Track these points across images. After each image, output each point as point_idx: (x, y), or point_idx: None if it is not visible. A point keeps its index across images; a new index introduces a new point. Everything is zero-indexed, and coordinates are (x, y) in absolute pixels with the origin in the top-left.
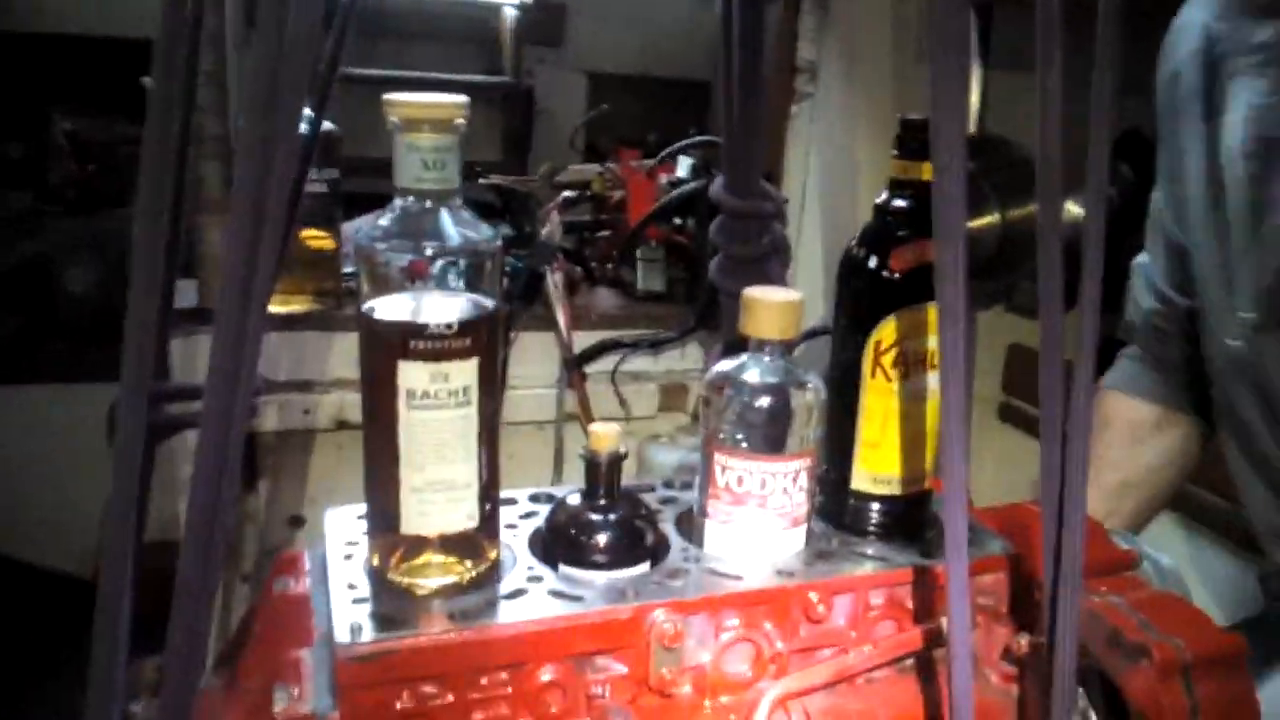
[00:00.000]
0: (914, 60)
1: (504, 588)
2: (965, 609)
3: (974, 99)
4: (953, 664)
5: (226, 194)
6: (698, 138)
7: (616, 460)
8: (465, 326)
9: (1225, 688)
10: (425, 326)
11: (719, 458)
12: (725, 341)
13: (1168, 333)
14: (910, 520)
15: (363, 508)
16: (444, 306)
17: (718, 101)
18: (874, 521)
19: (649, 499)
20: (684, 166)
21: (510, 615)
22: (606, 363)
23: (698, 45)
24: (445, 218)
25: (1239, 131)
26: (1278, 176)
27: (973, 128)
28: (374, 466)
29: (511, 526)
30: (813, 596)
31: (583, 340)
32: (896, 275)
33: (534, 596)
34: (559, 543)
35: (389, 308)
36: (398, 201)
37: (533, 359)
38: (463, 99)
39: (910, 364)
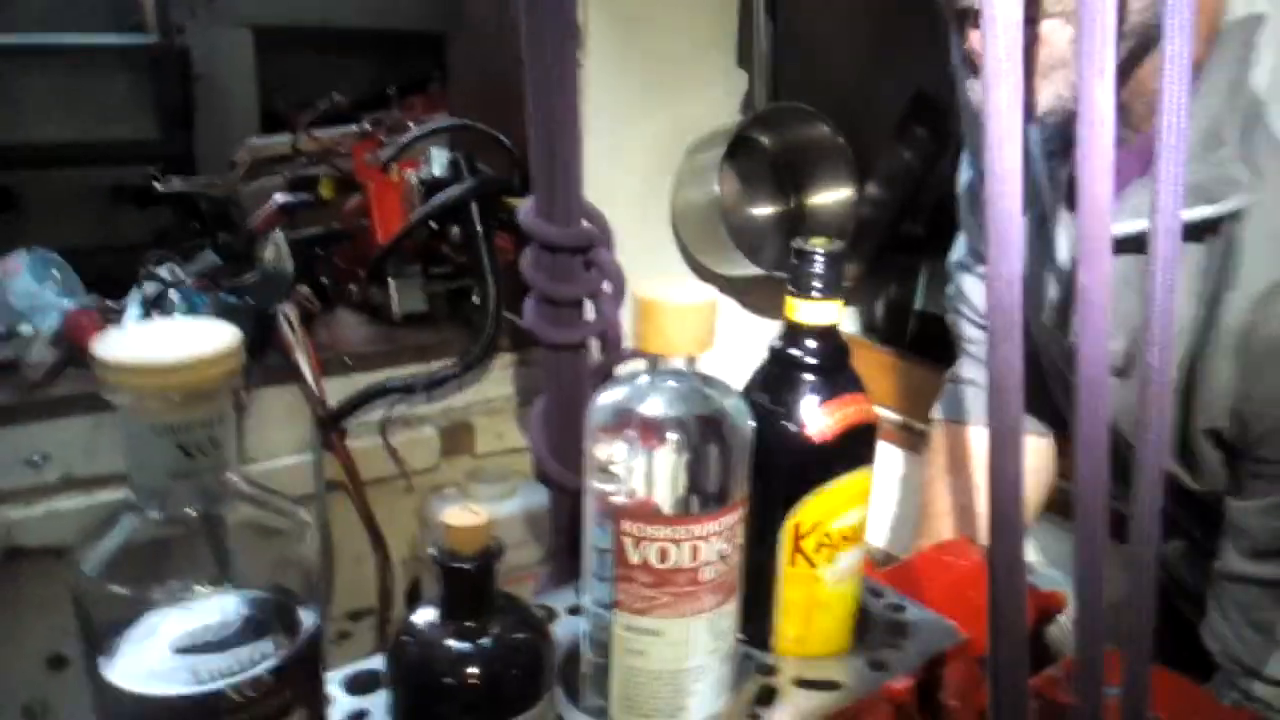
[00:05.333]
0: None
1: None
2: None
3: (765, 62)
4: None
5: None
6: (442, 122)
7: (490, 561)
8: (282, 672)
9: None
10: (220, 696)
11: (629, 529)
12: (545, 408)
13: None
14: None
15: None
16: (240, 652)
17: (454, 55)
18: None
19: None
20: (438, 160)
21: None
22: (370, 410)
23: None
24: (226, 525)
25: (1037, 130)
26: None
27: (764, 93)
28: None
29: None
30: None
31: (336, 389)
32: (819, 446)
33: None
34: (423, 698)
35: (143, 670)
36: (135, 504)
37: (275, 421)
38: (233, 335)
39: (836, 545)
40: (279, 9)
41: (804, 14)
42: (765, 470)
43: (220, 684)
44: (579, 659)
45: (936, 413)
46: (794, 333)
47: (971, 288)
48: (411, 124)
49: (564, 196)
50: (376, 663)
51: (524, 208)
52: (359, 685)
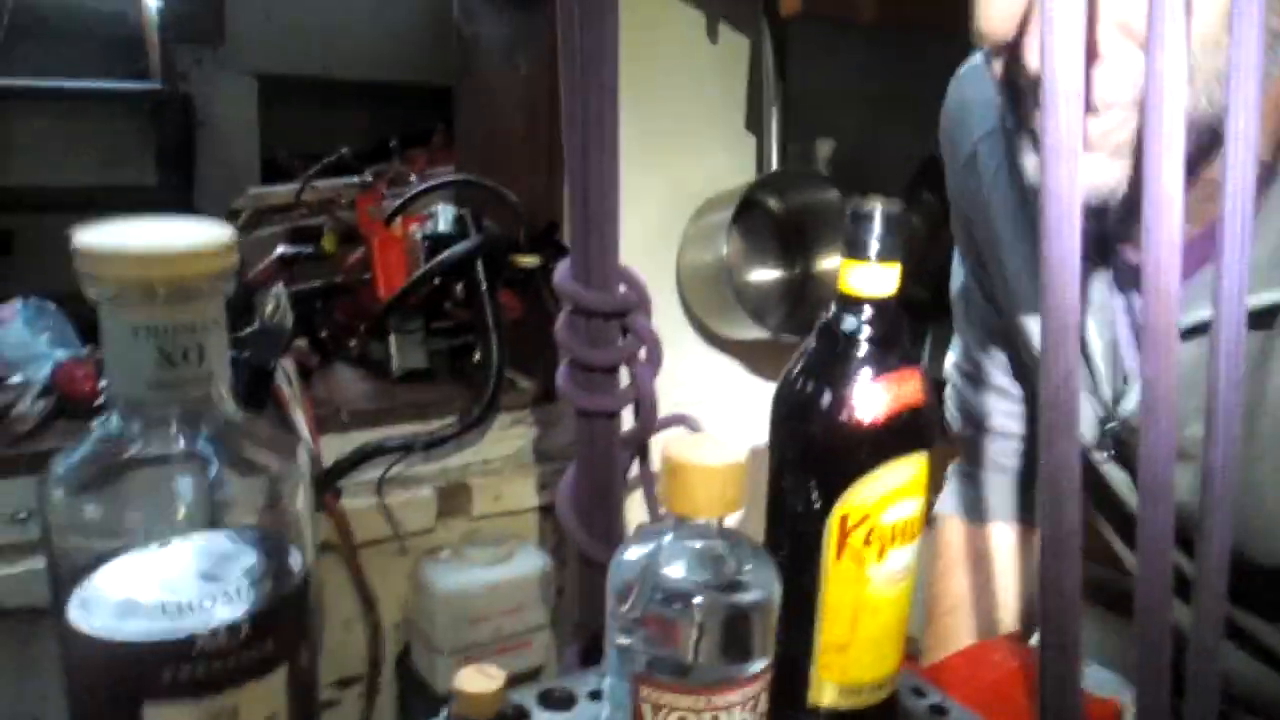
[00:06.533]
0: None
1: None
2: None
3: (774, 125)
4: None
5: None
6: (447, 177)
7: None
8: (263, 620)
9: None
10: (191, 642)
11: (648, 695)
12: (575, 478)
13: (1017, 433)
14: None
15: None
16: (216, 593)
17: (459, 105)
18: None
19: None
20: (443, 216)
21: None
22: (365, 468)
23: (388, 42)
24: (210, 449)
25: None
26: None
27: (775, 158)
28: None
29: None
30: None
31: (331, 446)
32: (871, 426)
33: None
34: None
35: (107, 609)
36: (114, 419)
37: None
38: (226, 232)
39: (887, 540)
40: (284, 58)
41: (813, 78)
42: (810, 454)
43: (191, 628)
44: None
45: (943, 506)
46: (846, 302)
47: (966, 391)
48: (414, 177)
49: (600, 260)
50: None
51: (560, 270)
52: None
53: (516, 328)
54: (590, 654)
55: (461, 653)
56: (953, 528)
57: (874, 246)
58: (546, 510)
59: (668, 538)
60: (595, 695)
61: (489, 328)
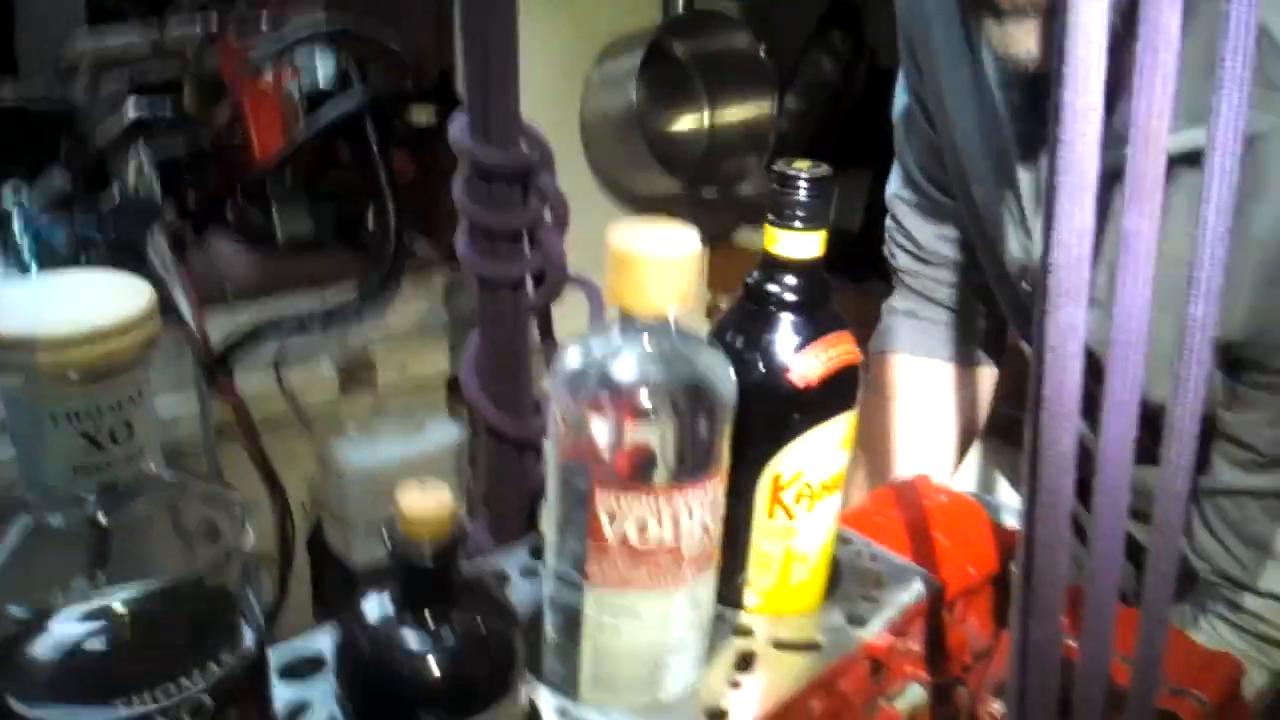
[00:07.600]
0: None
1: None
2: None
3: None
4: None
5: None
6: (321, 23)
7: (453, 552)
8: (223, 692)
9: None
10: None
11: (604, 501)
12: (479, 349)
13: (950, 259)
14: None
15: None
16: (169, 669)
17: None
18: None
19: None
20: (322, 68)
21: None
22: (259, 347)
23: None
24: (147, 523)
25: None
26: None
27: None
28: None
29: None
30: None
31: (219, 325)
32: (803, 392)
33: None
34: (379, 700)
35: (52, 693)
36: (21, 521)
37: (151, 366)
38: (144, 290)
39: (817, 494)
40: None
41: None
42: (742, 418)
43: (146, 707)
44: (538, 627)
45: (874, 345)
46: (772, 267)
47: (908, 218)
48: (263, 22)
49: (501, 114)
50: (317, 643)
51: (456, 127)
52: (298, 671)
53: (412, 189)
54: (499, 528)
55: (377, 527)
56: (894, 364)
57: (800, 212)
58: (456, 379)
59: (615, 336)
60: (529, 573)
61: (383, 191)
